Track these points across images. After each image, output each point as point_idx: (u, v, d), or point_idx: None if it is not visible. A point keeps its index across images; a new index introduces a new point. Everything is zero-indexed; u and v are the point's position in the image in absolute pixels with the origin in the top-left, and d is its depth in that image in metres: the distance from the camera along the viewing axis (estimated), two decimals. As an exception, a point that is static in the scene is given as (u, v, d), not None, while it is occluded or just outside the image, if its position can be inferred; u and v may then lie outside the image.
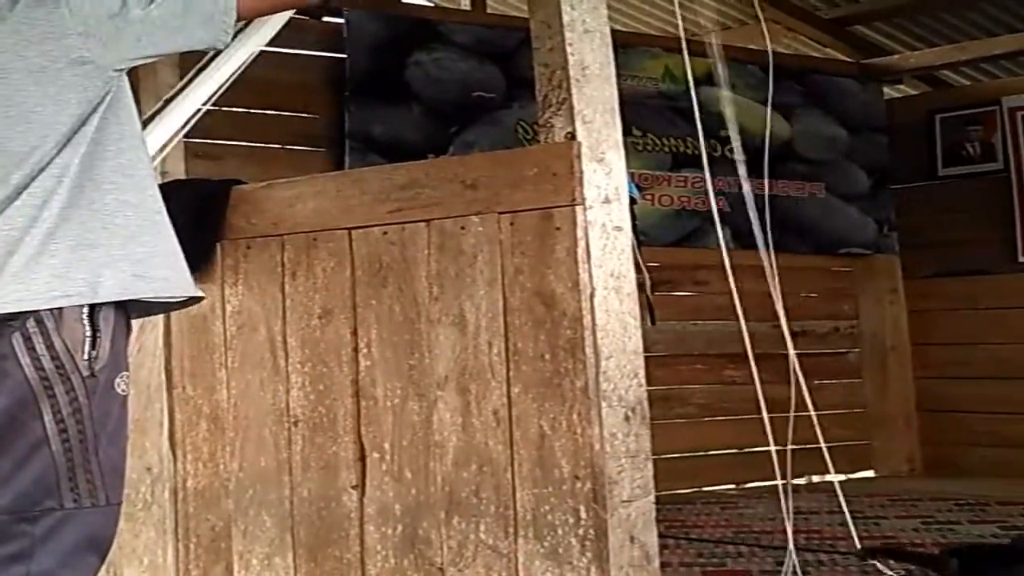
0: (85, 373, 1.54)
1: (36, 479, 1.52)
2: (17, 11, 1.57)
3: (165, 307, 1.70)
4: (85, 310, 1.56)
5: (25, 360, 1.52)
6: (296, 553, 2.40)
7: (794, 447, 4.88)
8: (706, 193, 4.72)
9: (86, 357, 1.54)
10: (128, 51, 1.61)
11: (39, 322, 1.54)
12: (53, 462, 1.52)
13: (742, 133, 4.84)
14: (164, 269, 1.63)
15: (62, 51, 1.55)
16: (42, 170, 1.56)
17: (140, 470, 2.64)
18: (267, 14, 2.07)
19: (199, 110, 2.60)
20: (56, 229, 1.55)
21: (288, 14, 2.48)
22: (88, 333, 1.55)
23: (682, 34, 2.36)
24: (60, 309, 1.54)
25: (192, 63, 2.59)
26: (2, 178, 1.55)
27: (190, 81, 2.54)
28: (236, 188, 2.59)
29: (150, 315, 1.74)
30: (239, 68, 2.52)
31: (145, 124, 2.44)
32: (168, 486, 2.61)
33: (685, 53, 2.40)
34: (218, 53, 2.43)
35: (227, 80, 2.53)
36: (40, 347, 1.53)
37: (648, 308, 2.73)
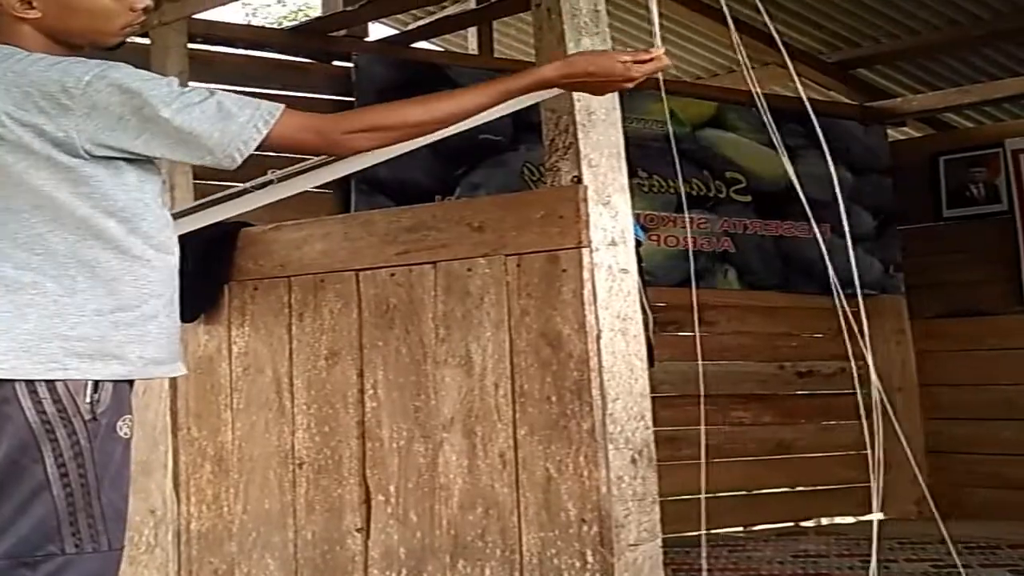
0: (87, 416, 1.54)
1: (37, 524, 1.51)
2: None
3: None
4: None
5: (27, 404, 1.51)
6: (300, 597, 2.37)
7: (802, 489, 4.82)
8: (711, 234, 4.75)
9: (88, 400, 1.54)
10: (122, 143, 1.56)
11: None
12: (55, 507, 1.52)
13: (746, 174, 4.88)
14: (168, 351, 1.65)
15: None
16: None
17: (143, 512, 2.63)
18: (297, 153, 2.02)
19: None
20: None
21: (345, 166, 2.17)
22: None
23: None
24: None
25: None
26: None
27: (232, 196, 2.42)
28: (244, 230, 2.60)
29: None
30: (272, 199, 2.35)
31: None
32: (171, 528, 2.60)
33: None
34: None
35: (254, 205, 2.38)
36: (42, 390, 1.53)
37: (648, 350, 2.72)
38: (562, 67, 1.72)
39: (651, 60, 1.73)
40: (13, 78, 1.54)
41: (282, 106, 1.61)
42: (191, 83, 2.96)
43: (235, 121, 1.57)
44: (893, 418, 2.09)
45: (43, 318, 1.54)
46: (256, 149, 1.59)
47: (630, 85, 1.74)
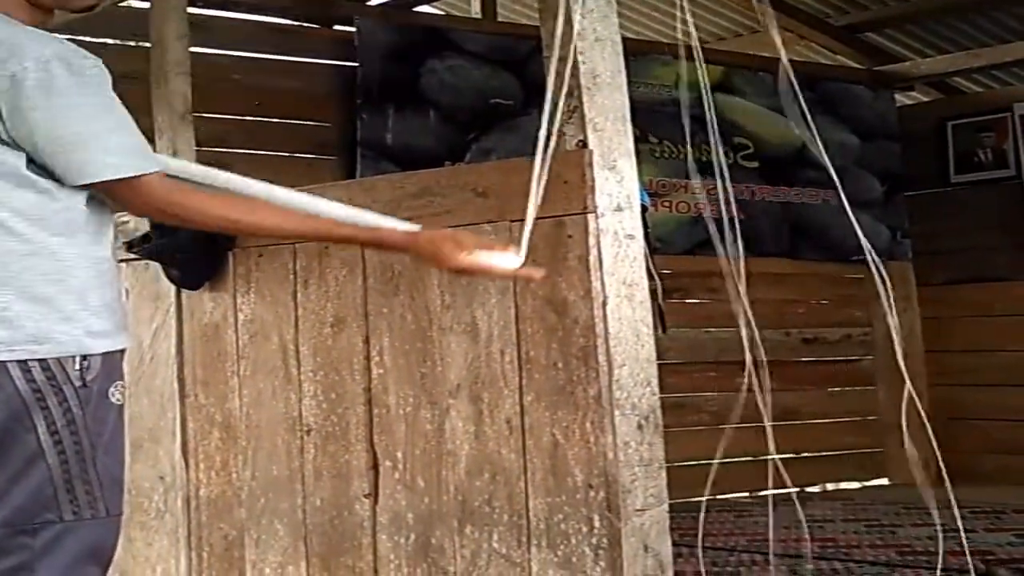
0: (77, 384, 1.54)
1: (33, 492, 1.52)
2: None
3: None
4: None
5: (16, 373, 1.51)
6: (309, 562, 2.39)
7: (807, 455, 4.81)
8: (720, 200, 4.72)
9: (77, 368, 1.54)
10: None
11: None
12: (50, 475, 1.52)
13: (753, 139, 4.85)
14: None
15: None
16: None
17: (153, 479, 2.64)
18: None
19: None
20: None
21: None
22: None
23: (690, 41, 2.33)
24: None
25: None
26: None
27: None
28: (248, 197, 2.59)
29: None
30: None
31: None
32: (181, 495, 2.61)
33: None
34: None
35: None
36: (30, 359, 1.52)
37: (659, 316, 2.72)
38: (410, 243, 1.75)
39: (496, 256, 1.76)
40: None
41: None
42: (192, 48, 2.93)
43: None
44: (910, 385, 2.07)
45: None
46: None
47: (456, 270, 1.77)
